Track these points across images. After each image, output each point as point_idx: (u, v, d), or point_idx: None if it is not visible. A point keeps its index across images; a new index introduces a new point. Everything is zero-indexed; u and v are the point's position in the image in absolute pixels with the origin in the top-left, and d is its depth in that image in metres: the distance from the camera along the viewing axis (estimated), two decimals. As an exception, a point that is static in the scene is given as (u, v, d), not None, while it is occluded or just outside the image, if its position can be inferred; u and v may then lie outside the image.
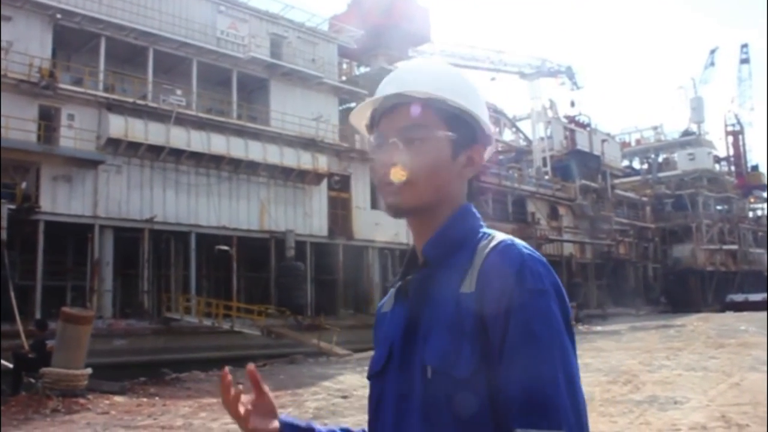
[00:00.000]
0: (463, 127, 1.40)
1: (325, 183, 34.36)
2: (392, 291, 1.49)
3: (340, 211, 35.67)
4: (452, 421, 1.23)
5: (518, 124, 63.45)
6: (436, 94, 1.36)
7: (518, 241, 1.30)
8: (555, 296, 1.24)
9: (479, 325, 1.24)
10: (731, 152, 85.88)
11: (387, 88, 1.41)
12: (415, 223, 1.43)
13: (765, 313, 45.87)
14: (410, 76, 1.41)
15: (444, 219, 1.40)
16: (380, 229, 36.20)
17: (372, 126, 1.46)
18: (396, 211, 1.40)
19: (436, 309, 1.31)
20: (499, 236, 1.34)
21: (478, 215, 1.44)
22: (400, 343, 1.37)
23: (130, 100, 28.00)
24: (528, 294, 1.22)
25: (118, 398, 13.82)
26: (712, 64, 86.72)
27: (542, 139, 59.80)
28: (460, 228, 1.39)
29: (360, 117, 1.50)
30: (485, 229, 1.39)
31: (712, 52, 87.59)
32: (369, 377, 1.49)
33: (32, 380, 13.98)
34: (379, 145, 1.41)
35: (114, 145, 26.90)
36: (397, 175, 1.35)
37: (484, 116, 1.43)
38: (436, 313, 1.31)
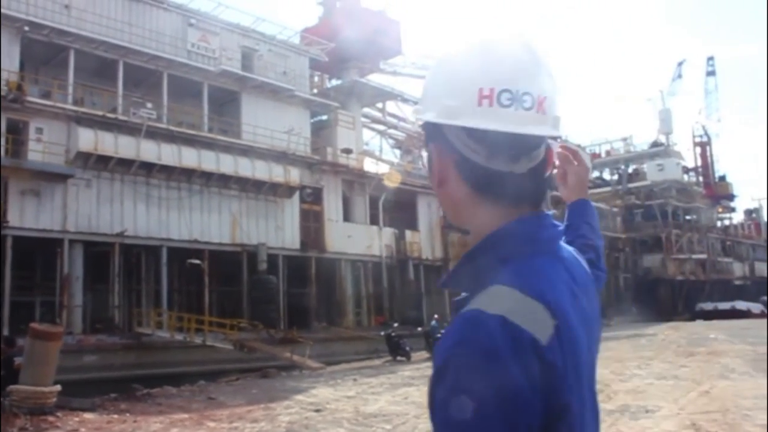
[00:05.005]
0: (439, 133, 1.22)
1: (297, 196, 34.28)
2: None
3: (312, 224, 35.58)
4: None
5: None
6: (416, 117, 1.24)
7: (483, 318, 1.02)
8: (480, 407, 0.96)
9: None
10: (699, 163, 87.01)
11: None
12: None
13: (733, 321, 46.49)
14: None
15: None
16: (353, 241, 36.23)
17: None
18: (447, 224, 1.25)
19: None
20: (488, 294, 1.07)
21: (513, 242, 1.15)
22: None
23: (100, 113, 27.76)
24: (435, 378, 1.02)
25: (87, 415, 13.61)
26: (680, 76, 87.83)
27: (513, 150, 60.09)
28: (472, 264, 1.18)
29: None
30: (506, 270, 1.11)
31: (680, 64, 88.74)
32: None
33: (-1, 398, 13.75)
34: None
35: (83, 158, 26.64)
36: None
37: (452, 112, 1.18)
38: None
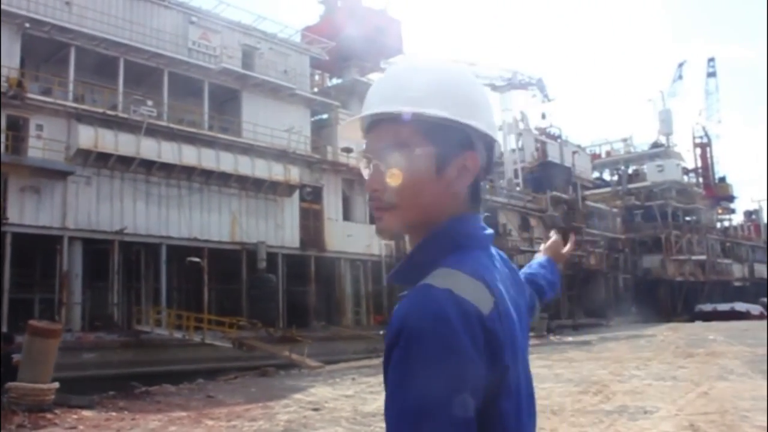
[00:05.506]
0: (450, 136, 1.29)
1: (296, 194, 34.28)
2: None
3: (312, 223, 35.58)
4: None
5: (490, 135, 63.57)
6: (413, 110, 1.26)
7: (435, 290, 1.14)
8: (422, 379, 1.06)
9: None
10: (699, 164, 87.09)
11: (367, 106, 1.33)
12: (412, 242, 1.34)
13: (732, 322, 46.52)
14: (389, 90, 1.31)
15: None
16: (352, 240, 36.23)
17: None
18: (383, 236, 1.34)
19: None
20: (435, 274, 1.19)
21: (457, 236, 1.29)
22: None
23: (100, 110, 27.75)
24: (398, 350, 1.10)
25: (86, 413, 13.60)
26: (680, 77, 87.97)
27: (514, 150, 60.16)
28: (420, 252, 1.29)
29: (352, 130, 1.39)
30: (451, 257, 1.24)
31: (680, 65, 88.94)
32: None
33: (-3, 395, 13.73)
34: (364, 165, 1.34)
35: (83, 156, 26.63)
36: (379, 200, 1.30)
37: (478, 116, 1.31)
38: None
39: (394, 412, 1.08)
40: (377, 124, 1.31)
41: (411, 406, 1.06)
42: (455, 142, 1.29)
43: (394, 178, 1.27)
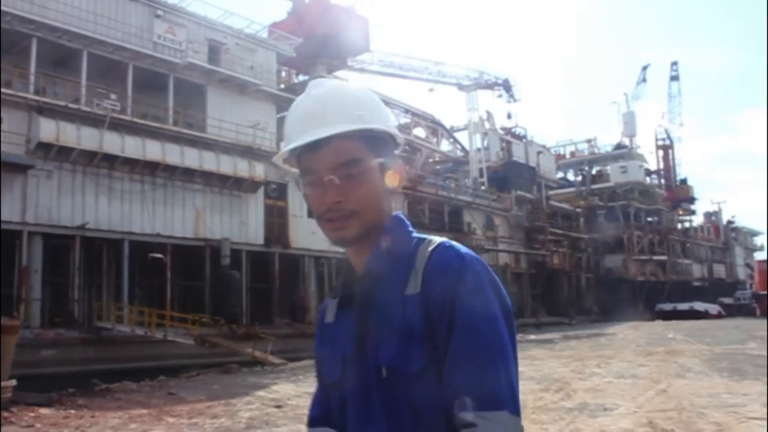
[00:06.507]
0: (384, 146, 1.48)
1: (261, 191, 34.10)
2: (333, 302, 1.59)
3: (276, 220, 35.42)
4: (410, 413, 1.37)
5: (456, 134, 64.02)
6: (364, 127, 1.43)
7: (455, 243, 1.43)
8: (493, 292, 1.38)
9: (426, 323, 1.37)
10: (661, 166, 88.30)
11: (309, 131, 1.43)
12: (357, 245, 1.50)
13: (691, 321, 47.27)
14: (326, 113, 1.44)
15: (378, 234, 1.49)
16: (317, 237, 36.03)
17: (293, 161, 1.53)
18: (344, 243, 1.49)
19: (383, 313, 1.42)
20: (436, 239, 1.46)
21: (407, 222, 1.54)
22: (352, 349, 1.46)
23: (62, 103, 27.30)
24: (470, 292, 1.35)
25: (44, 410, 13.42)
26: (644, 80, 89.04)
27: (479, 150, 60.48)
28: (395, 236, 1.49)
29: (280, 157, 1.54)
30: (417, 234, 1.51)
31: (644, 68, 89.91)
32: (326, 387, 1.60)
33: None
34: (311, 183, 1.46)
35: (44, 149, 26.19)
36: (342, 209, 1.44)
37: (394, 126, 1.53)
38: (384, 316, 1.41)
39: (488, 323, 1.35)
40: (318, 145, 1.42)
41: (497, 313, 1.37)
42: (389, 151, 1.50)
43: (355, 188, 1.43)
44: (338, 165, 1.42)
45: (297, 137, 1.45)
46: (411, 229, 1.53)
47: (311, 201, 1.49)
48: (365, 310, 1.45)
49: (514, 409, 1.33)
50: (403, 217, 1.55)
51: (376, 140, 1.46)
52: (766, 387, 12.09)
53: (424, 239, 1.48)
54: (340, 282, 1.59)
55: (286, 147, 1.49)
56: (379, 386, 1.40)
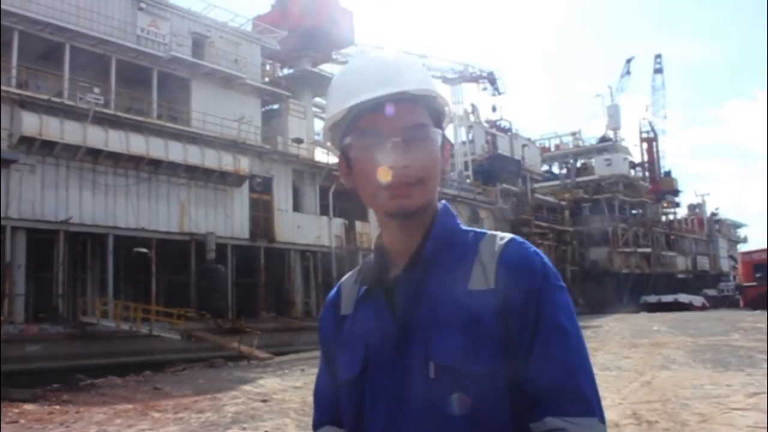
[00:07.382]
0: (441, 121, 1.41)
1: (246, 185, 33.98)
2: (354, 291, 1.46)
3: (261, 214, 35.35)
4: (463, 420, 1.23)
5: (441, 128, 63.89)
6: (431, 91, 1.36)
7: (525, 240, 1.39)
8: (567, 291, 1.34)
9: (501, 322, 1.27)
10: (646, 158, 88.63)
11: (380, 87, 1.31)
12: (407, 224, 1.38)
13: (676, 313, 47.60)
14: (400, 71, 1.35)
15: (430, 217, 1.40)
16: (302, 231, 36.14)
17: (342, 125, 1.38)
18: (407, 213, 1.34)
19: (436, 307, 1.30)
20: (502, 234, 1.40)
21: (455, 212, 1.46)
22: (391, 343, 1.32)
23: (45, 97, 27.09)
24: (554, 290, 1.31)
25: (28, 406, 13.36)
26: (628, 73, 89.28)
27: (464, 143, 60.58)
28: (450, 225, 1.42)
29: (333, 118, 1.39)
30: (464, 226, 1.43)
31: (628, 61, 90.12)
32: (341, 384, 1.43)
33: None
34: (369, 146, 1.32)
35: (27, 143, 25.97)
36: (408, 176, 1.32)
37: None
38: (438, 311, 1.30)
39: (572, 322, 1.30)
40: (384, 106, 1.32)
41: (576, 324, 1.31)
42: (442, 125, 1.41)
43: (423, 155, 1.33)
44: (406, 128, 1.32)
45: (363, 95, 1.32)
46: (459, 220, 1.44)
47: (366, 166, 1.33)
48: (413, 300, 1.33)
49: (603, 416, 1.26)
50: (449, 206, 1.46)
51: (436, 112, 1.39)
52: (749, 378, 12.19)
53: (484, 233, 1.40)
54: (371, 267, 1.43)
55: (350, 102, 1.33)
56: (423, 388, 1.27)
